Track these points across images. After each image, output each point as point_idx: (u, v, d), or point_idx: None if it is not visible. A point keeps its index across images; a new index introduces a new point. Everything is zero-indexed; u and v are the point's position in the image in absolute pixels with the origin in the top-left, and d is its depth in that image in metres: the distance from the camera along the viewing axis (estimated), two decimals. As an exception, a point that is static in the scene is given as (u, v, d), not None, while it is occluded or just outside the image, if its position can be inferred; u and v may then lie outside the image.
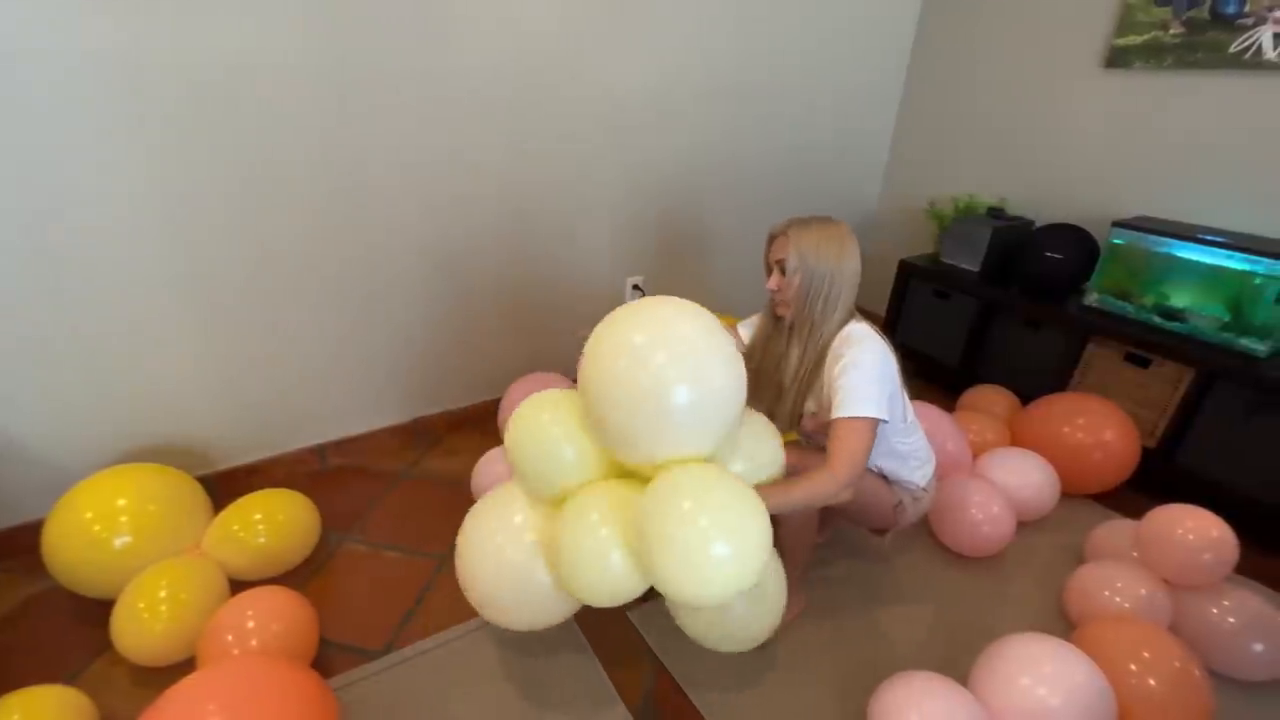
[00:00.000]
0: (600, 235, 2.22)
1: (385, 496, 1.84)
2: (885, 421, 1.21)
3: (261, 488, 1.61)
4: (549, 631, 1.38)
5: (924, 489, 1.41)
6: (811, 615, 1.47)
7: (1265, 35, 1.77)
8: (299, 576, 1.53)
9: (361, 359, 1.90)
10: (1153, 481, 1.87)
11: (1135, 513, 1.78)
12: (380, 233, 1.78)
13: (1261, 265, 1.71)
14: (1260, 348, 1.71)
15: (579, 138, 2.02)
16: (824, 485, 1.14)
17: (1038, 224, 2.34)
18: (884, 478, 1.39)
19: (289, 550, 1.51)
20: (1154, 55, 2.00)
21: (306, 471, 1.91)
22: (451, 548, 1.59)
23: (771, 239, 1.34)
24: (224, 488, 1.70)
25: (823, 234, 1.26)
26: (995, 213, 2.40)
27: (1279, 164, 1.80)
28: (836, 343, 1.27)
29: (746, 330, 1.51)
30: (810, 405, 1.33)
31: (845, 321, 1.29)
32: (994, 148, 2.51)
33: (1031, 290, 2.22)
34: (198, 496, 1.52)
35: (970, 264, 2.33)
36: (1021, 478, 1.74)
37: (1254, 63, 1.81)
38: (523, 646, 1.37)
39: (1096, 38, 2.13)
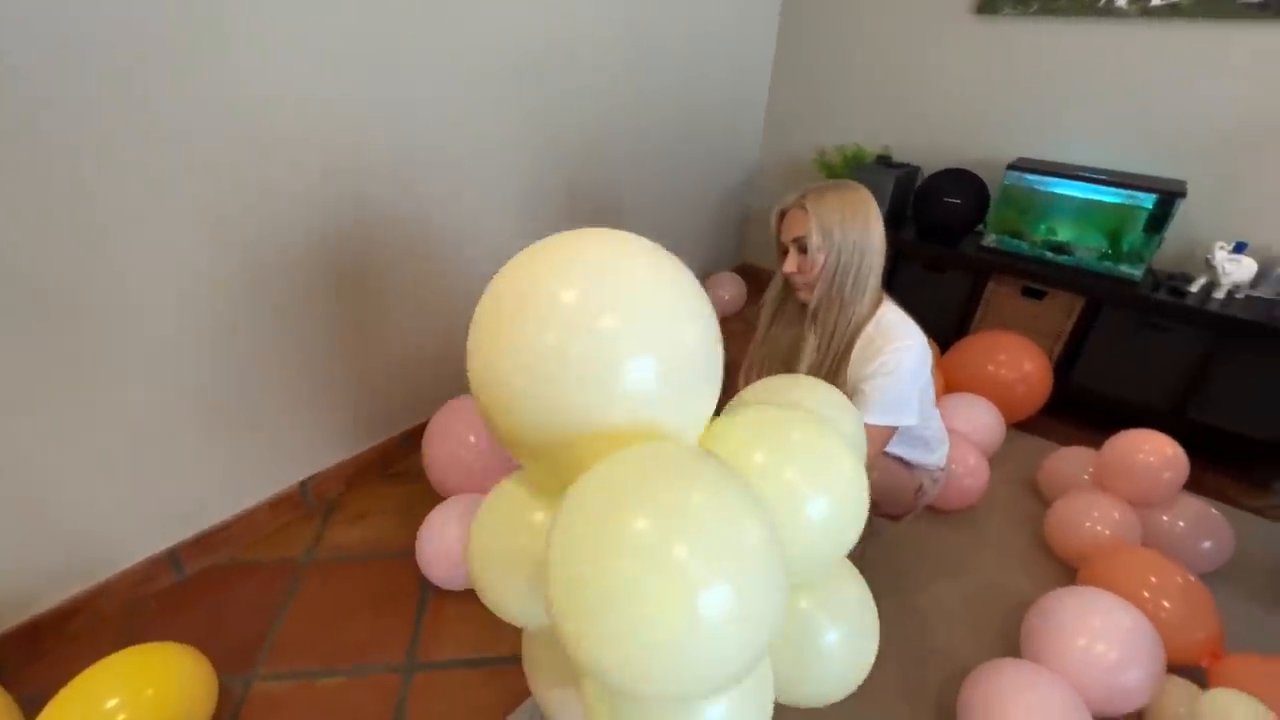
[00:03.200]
0: (506, 212, 1.84)
1: (291, 599, 1.36)
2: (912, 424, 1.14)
3: (88, 635, 1.10)
4: None
5: (942, 469, 1.37)
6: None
7: (1118, -16, 1.92)
8: (200, 758, 1.06)
9: (207, 410, 1.34)
10: (1053, 402, 2.06)
11: (1049, 434, 1.97)
12: (200, 218, 1.25)
13: (1130, 197, 1.91)
14: (1135, 272, 1.93)
15: (471, 99, 1.60)
16: None
17: (924, 170, 2.42)
18: (905, 463, 1.32)
19: (177, 730, 1.02)
20: (1021, 1, 2.10)
21: (158, 591, 1.34)
22: (412, 652, 1.21)
23: (781, 215, 1.16)
24: (25, 654, 1.12)
25: (842, 201, 1.11)
26: (884, 160, 2.44)
27: (1136, 105, 2.00)
28: (872, 331, 1.13)
29: None
30: None
31: (876, 304, 1.16)
32: (873, 95, 2.53)
33: (931, 235, 2.31)
34: (-12, 692, 0.97)
35: (874, 214, 2.35)
36: (973, 421, 1.80)
37: (1107, 10, 1.96)
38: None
39: (966, -18, 2.19)
